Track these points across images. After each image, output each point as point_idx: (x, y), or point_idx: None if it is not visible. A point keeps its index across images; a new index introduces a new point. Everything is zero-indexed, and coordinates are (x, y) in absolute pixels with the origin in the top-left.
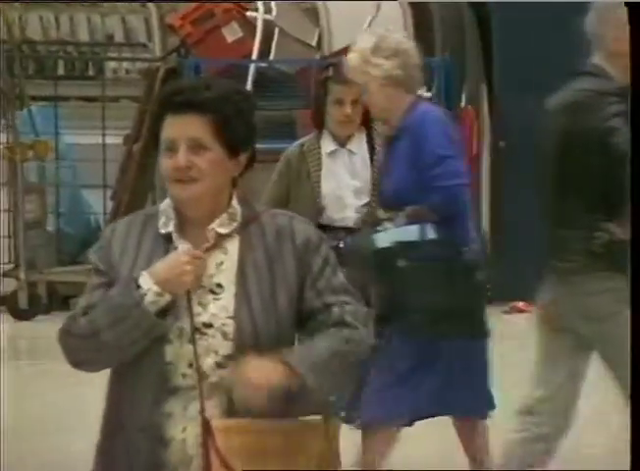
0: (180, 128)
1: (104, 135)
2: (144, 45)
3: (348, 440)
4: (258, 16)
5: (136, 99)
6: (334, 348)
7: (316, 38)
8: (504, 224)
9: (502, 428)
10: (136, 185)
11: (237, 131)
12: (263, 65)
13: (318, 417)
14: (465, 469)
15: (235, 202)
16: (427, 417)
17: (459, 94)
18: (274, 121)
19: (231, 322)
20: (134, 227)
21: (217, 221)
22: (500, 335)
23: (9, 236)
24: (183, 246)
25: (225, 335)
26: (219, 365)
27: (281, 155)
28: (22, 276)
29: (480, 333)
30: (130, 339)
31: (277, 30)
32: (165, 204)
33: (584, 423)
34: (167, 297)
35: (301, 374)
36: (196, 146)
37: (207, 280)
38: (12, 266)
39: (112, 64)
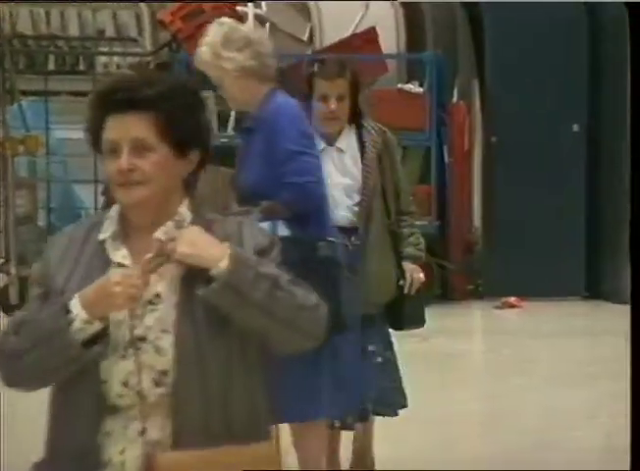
0: (121, 128)
1: None
2: (135, 40)
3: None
4: (249, 10)
5: None
6: (280, 286)
7: (307, 33)
8: (495, 220)
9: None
10: None
11: (184, 129)
12: None
13: (266, 444)
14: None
15: (183, 208)
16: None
17: (452, 90)
18: None
19: (165, 336)
20: (78, 234)
21: (162, 229)
22: (491, 330)
23: (0, 231)
24: (117, 254)
25: (158, 349)
26: (156, 383)
27: None
28: (12, 271)
29: (338, 327)
30: (53, 364)
31: (268, 25)
32: (113, 210)
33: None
34: (96, 326)
35: (235, 258)
36: (140, 147)
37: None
38: (2, 261)
39: (103, 58)
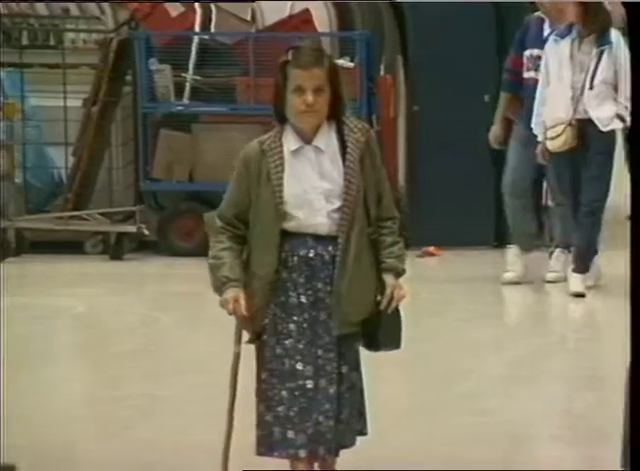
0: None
1: (65, 99)
2: (98, 18)
3: None
4: None
5: (94, 66)
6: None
7: (250, 14)
8: (418, 178)
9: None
10: (95, 143)
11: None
12: (205, 37)
13: None
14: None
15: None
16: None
17: (379, 65)
18: (216, 86)
19: None
20: None
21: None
22: (412, 277)
23: None
24: None
25: None
26: None
27: (222, 116)
28: None
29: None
30: None
31: (214, 7)
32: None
33: None
34: None
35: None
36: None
37: None
38: None
39: (70, 35)
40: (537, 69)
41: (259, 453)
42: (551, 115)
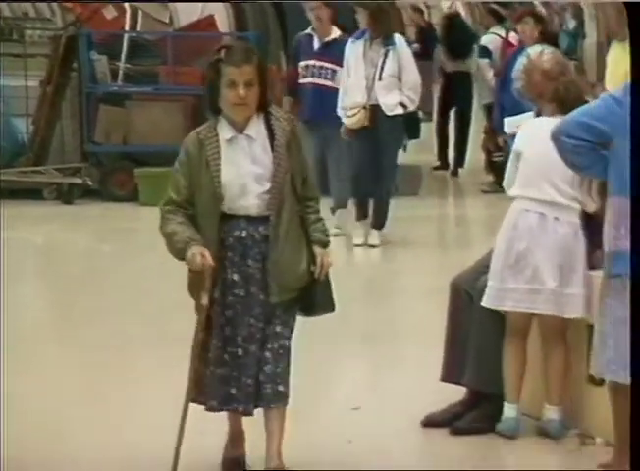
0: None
1: (26, 80)
2: (50, 19)
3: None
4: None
5: (48, 56)
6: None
7: (168, 17)
8: None
9: None
10: (49, 115)
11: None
12: (134, 35)
13: None
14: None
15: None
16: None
17: (266, 57)
18: (143, 73)
19: None
20: None
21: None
22: None
23: None
24: None
25: None
26: None
27: (148, 95)
28: None
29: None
30: None
31: (140, 12)
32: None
33: None
34: None
35: None
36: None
37: None
38: None
39: (30, 32)
40: (312, 75)
41: (208, 409)
42: (351, 100)
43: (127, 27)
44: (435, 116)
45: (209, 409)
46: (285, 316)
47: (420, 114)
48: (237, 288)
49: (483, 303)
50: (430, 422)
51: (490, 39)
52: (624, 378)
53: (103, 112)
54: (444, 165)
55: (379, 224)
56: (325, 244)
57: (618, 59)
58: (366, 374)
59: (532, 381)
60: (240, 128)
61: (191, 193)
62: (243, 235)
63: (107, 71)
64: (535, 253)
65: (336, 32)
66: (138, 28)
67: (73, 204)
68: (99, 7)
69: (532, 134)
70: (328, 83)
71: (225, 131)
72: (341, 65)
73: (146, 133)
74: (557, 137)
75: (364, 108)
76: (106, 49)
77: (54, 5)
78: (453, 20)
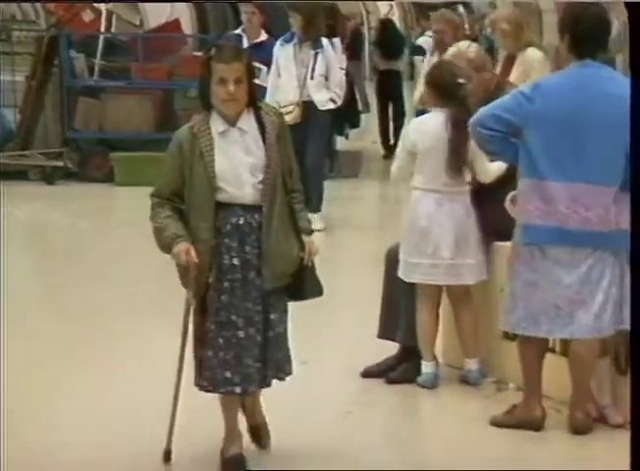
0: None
1: (14, 75)
2: (35, 21)
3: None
4: (103, 7)
5: (33, 54)
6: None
7: (139, 20)
8: None
9: None
10: (34, 106)
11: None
12: (108, 36)
13: None
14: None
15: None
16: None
17: None
18: (117, 69)
19: None
20: None
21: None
22: None
23: None
24: None
25: None
26: None
27: (121, 89)
28: None
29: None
30: None
31: (114, 15)
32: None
33: None
34: None
35: None
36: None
37: None
38: None
39: (16, 32)
40: None
41: (205, 390)
42: (284, 97)
43: (102, 29)
44: (375, 108)
45: (204, 390)
46: (278, 303)
47: (360, 106)
48: (235, 273)
49: (399, 275)
50: (368, 373)
51: (425, 40)
52: (534, 333)
53: (81, 103)
54: (389, 153)
55: (316, 208)
56: (310, 232)
57: (532, 60)
58: (313, 333)
59: (454, 337)
60: (231, 121)
61: (181, 185)
62: (241, 221)
63: (85, 67)
64: (434, 232)
65: (264, 36)
66: (113, 30)
67: (55, 184)
68: (78, 10)
69: (424, 129)
70: (255, 81)
71: (217, 125)
72: (267, 65)
73: (120, 122)
74: (473, 128)
75: (297, 105)
76: (84, 48)
77: (38, 8)
78: (386, 24)
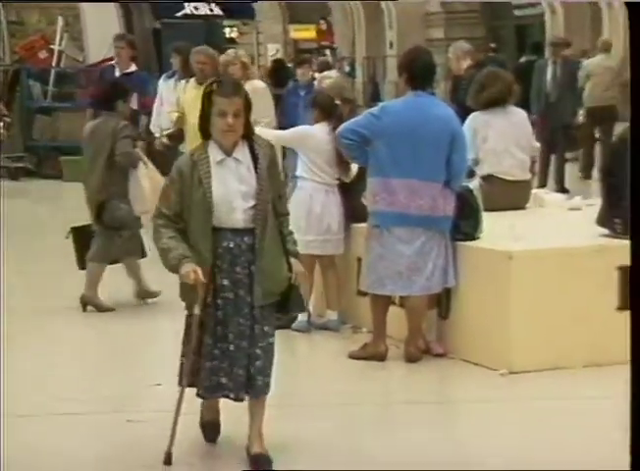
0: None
1: None
2: (2, 59)
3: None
4: (55, 47)
5: (1, 83)
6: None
7: (82, 57)
8: None
9: None
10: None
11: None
12: (59, 69)
13: None
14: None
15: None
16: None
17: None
18: (67, 95)
19: None
20: None
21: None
22: None
23: None
24: None
25: None
26: None
27: (69, 109)
28: None
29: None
30: None
31: (64, 54)
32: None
33: None
34: None
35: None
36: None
37: None
38: None
39: None
40: None
41: (201, 397)
42: (165, 122)
43: (54, 64)
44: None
45: (201, 396)
46: (268, 317)
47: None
48: (226, 292)
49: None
50: None
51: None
52: (382, 292)
53: (38, 119)
54: None
55: None
56: (297, 254)
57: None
58: None
59: (321, 295)
60: (228, 151)
61: (182, 208)
62: (231, 245)
63: (40, 92)
64: (326, 214)
65: (133, 66)
66: (62, 64)
67: (18, 181)
68: (36, 50)
69: (310, 136)
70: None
71: (215, 154)
72: (137, 91)
73: (67, 133)
74: (338, 138)
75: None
76: (40, 78)
77: (6, 49)
78: (278, 63)
